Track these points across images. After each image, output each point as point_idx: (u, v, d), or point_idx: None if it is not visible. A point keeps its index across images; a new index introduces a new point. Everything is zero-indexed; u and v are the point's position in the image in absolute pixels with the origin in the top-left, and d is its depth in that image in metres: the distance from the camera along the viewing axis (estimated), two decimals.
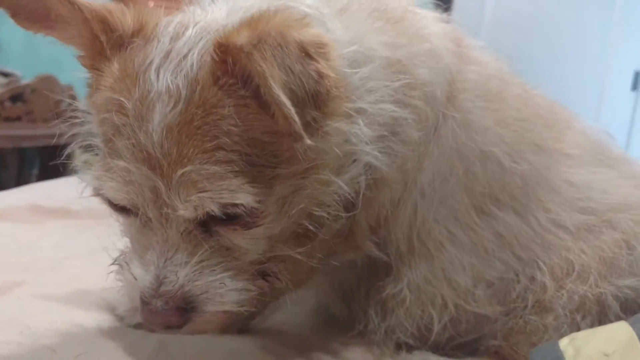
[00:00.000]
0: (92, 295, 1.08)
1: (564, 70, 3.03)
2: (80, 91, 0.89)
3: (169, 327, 0.78)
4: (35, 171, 4.15)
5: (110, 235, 0.88)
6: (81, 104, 0.89)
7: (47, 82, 3.57)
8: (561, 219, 0.99)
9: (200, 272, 0.76)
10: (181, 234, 0.75)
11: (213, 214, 0.73)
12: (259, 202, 0.74)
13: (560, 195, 1.00)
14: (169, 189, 0.72)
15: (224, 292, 0.78)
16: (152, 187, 0.73)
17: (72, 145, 0.90)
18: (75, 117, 0.88)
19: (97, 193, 0.78)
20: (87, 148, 0.88)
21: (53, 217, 1.52)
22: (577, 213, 0.99)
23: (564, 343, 0.78)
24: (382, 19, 0.93)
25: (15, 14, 0.79)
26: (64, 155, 0.91)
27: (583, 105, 1.16)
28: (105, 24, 0.78)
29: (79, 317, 0.99)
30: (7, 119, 3.71)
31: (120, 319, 1.02)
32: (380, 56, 0.89)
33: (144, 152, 0.72)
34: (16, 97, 3.74)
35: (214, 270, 0.77)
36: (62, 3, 0.77)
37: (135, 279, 0.78)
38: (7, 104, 3.69)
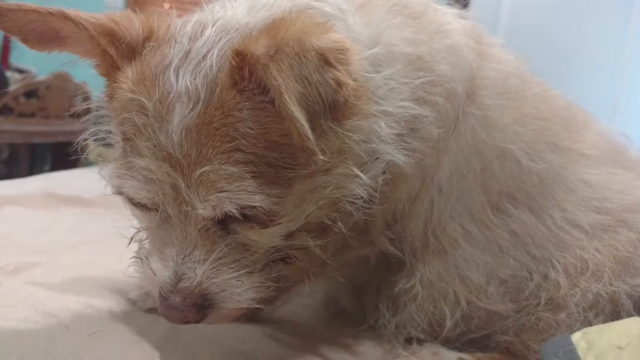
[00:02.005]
0: (105, 279, 1.10)
1: (577, 80, 3.03)
2: (94, 88, 0.89)
3: (186, 322, 0.79)
4: (47, 167, 4.18)
5: (122, 224, 0.89)
6: (95, 99, 0.90)
7: (62, 79, 3.60)
8: (577, 218, 0.99)
9: (217, 270, 0.77)
10: (199, 231, 0.76)
11: (231, 214, 0.73)
12: (277, 203, 0.74)
13: (577, 194, 1.00)
14: (189, 187, 0.72)
15: (241, 290, 0.78)
16: (173, 185, 0.73)
17: (86, 138, 0.91)
18: (89, 112, 0.90)
19: (118, 191, 0.79)
20: (101, 141, 0.89)
21: (67, 204, 1.53)
22: (592, 213, 0.99)
23: (576, 337, 0.78)
24: (403, 14, 0.93)
25: (25, 39, 0.80)
26: (77, 149, 0.92)
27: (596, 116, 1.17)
28: (112, 36, 0.78)
29: (92, 299, 1.00)
30: (21, 115, 3.74)
31: (133, 302, 1.02)
32: (401, 52, 0.89)
33: (165, 152, 0.73)
34: (31, 93, 3.77)
35: (232, 267, 0.77)
36: (67, 24, 0.78)
37: (154, 274, 0.78)
38: (22, 99, 3.73)
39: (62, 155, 0.89)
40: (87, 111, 0.92)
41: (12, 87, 3.64)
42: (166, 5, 4.57)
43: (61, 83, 3.63)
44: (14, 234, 1.26)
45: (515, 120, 0.99)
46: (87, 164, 0.89)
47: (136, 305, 1.02)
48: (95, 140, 0.90)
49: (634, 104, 3.26)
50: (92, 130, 0.90)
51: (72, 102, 1.02)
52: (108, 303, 1.00)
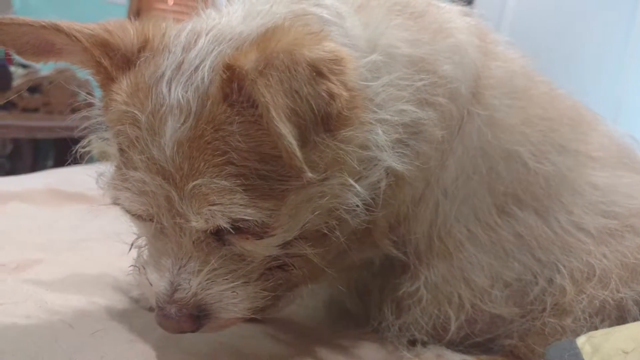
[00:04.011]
0: (108, 277, 1.09)
1: (580, 79, 3.01)
2: (96, 87, 0.89)
3: (182, 332, 0.79)
4: (50, 163, 4.18)
5: (125, 221, 0.88)
6: (97, 97, 0.90)
7: (65, 75, 3.60)
8: (583, 222, 0.97)
9: (213, 281, 0.76)
10: (194, 242, 0.75)
11: (223, 228, 0.73)
12: (270, 216, 0.73)
13: (583, 197, 0.99)
14: (182, 200, 0.72)
15: (237, 300, 0.78)
16: (166, 197, 0.73)
17: (89, 136, 0.90)
18: (92, 110, 0.89)
19: (115, 202, 0.79)
20: (104, 139, 0.88)
21: (70, 201, 1.53)
22: (599, 217, 0.98)
23: (581, 341, 0.77)
24: (404, 14, 0.92)
25: (20, 52, 0.80)
26: (80, 147, 0.91)
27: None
28: (105, 47, 0.77)
29: (95, 297, 1.00)
30: (25, 110, 3.75)
31: (135, 301, 1.02)
32: (402, 54, 0.88)
33: (158, 165, 0.72)
34: (34, 88, 3.78)
35: (227, 278, 0.77)
36: (60, 36, 0.77)
37: (151, 284, 0.78)
38: (25, 94, 3.73)
39: (65, 151, 0.90)
40: (89, 109, 0.91)
41: (16, 82, 3.64)
42: (170, 2, 4.57)
43: (64, 78, 3.62)
44: (17, 231, 1.26)
45: (522, 120, 0.98)
46: (91, 160, 0.89)
47: (139, 303, 1.01)
48: (98, 137, 0.90)
49: (637, 105, 3.23)
50: (92, 137, 0.89)
51: (75, 99, 1.02)
52: (111, 301, 1.00)
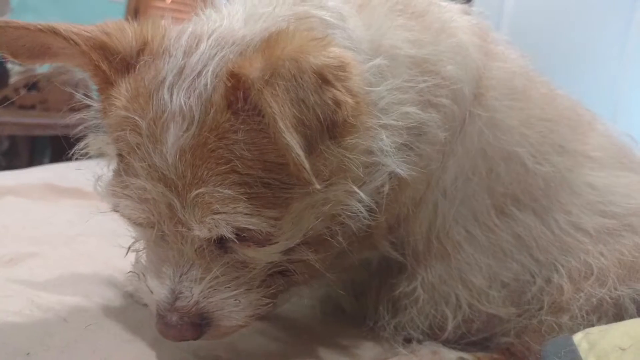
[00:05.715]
0: (103, 271, 1.09)
1: (578, 79, 3.00)
2: (94, 86, 0.89)
3: (183, 340, 0.78)
4: (47, 160, 4.16)
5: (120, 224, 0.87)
6: (95, 96, 0.89)
7: (62, 72, 3.58)
8: (581, 221, 0.97)
9: (215, 289, 0.76)
10: (196, 250, 0.75)
11: (227, 237, 0.72)
12: (274, 225, 0.73)
13: (582, 198, 0.99)
14: (184, 208, 0.71)
15: (239, 308, 0.78)
16: (168, 204, 0.72)
17: (87, 136, 0.89)
18: (90, 110, 0.88)
19: (115, 210, 0.78)
20: (102, 139, 0.87)
21: (66, 196, 1.52)
22: (597, 216, 0.98)
23: (578, 337, 0.77)
24: (405, 14, 0.91)
25: (15, 55, 0.79)
26: (77, 144, 0.90)
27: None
28: (104, 50, 0.76)
29: (90, 291, 1.00)
30: (22, 107, 3.73)
31: (130, 296, 1.01)
32: (405, 55, 0.87)
33: (159, 173, 0.71)
34: (31, 85, 3.76)
35: (229, 286, 0.77)
36: (57, 39, 0.76)
37: (151, 291, 0.78)
38: (22, 91, 3.71)
39: (62, 148, 0.90)
40: (87, 110, 0.90)
41: (13, 79, 3.63)
42: (167, 0, 4.55)
43: (62, 76, 3.61)
44: (12, 225, 1.25)
45: (521, 121, 0.98)
46: (88, 156, 0.89)
47: (133, 298, 1.01)
48: (96, 135, 0.89)
49: (635, 104, 3.23)
50: (90, 137, 0.88)
51: (73, 96, 1.01)
52: (106, 295, 1.00)
